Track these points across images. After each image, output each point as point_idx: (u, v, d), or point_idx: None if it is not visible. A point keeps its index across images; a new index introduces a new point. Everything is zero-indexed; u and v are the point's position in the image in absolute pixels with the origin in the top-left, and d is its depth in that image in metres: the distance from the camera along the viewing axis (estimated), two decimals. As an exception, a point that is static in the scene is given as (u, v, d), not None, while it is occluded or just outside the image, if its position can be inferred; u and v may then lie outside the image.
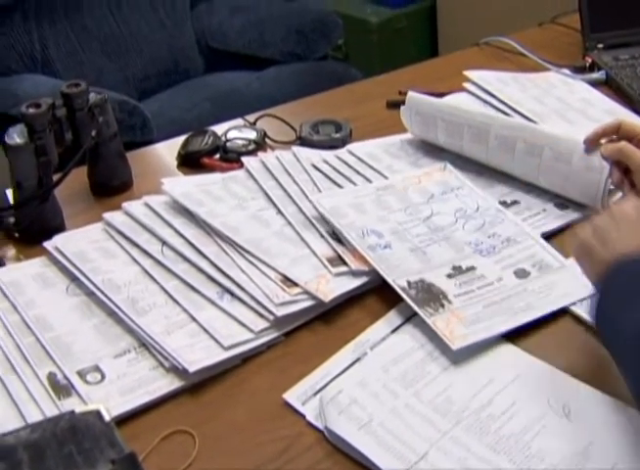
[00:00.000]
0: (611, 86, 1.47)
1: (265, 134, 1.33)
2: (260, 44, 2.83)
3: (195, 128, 1.36)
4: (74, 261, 1.05)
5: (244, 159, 1.23)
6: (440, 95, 1.39)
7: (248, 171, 1.21)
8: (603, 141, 1.11)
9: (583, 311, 0.97)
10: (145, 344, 0.95)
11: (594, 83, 1.48)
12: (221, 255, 1.05)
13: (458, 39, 3.31)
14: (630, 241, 0.86)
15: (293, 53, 2.78)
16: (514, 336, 0.95)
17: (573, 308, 0.99)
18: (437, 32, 3.54)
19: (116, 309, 0.99)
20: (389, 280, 0.99)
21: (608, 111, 1.38)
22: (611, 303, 0.84)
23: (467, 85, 1.41)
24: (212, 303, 0.99)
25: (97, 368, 0.93)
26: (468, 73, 1.42)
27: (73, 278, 1.05)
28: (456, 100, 1.37)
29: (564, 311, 0.99)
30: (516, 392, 0.89)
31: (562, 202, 1.16)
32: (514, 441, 0.83)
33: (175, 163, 1.32)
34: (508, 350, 0.94)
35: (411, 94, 1.26)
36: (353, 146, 1.27)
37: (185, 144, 1.31)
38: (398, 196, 1.14)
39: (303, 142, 1.31)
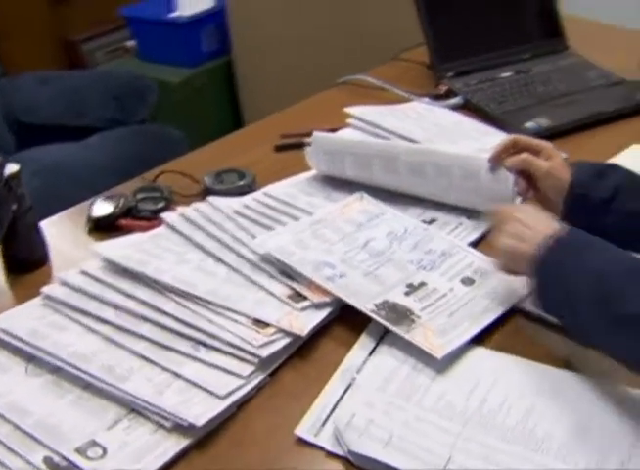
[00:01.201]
0: (469, 108, 1.60)
1: (172, 190, 1.33)
2: (76, 113, 2.77)
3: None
4: (30, 341, 1.00)
5: (164, 215, 1.23)
6: (331, 131, 1.45)
7: (170, 227, 1.21)
8: (503, 155, 1.22)
9: (530, 306, 1.06)
10: (134, 409, 0.93)
11: (454, 108, 1.61)
12: (182, 309, 1.04)
13: (258, 90, 3.43)
14: (542, 230, 0.99)
15: (113, 119, 2.75)
16: (479, 339, 1.02)
17: (522, 305, 1.07)
18: (237, 86, 3.63)
19: (94, 380, 0.95)
20: (358, 306, 1.03)
21: (476, 129, 1.51)
22: (555, 281, 0.95)
23: (351, 121, 1.49)
24: (190, 357, 0.98)
25: (95, 443, 0.89)
26: (349, 110, 1.50)
27: (30, 358, 1.00)
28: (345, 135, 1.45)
29: (513, 310, 1.07)
30: (504, 386, 0.95)
31: (474, 214, 1.25)
32: (520, 429, 0.90)
33: (85, 229, 1.29)
34: (479, 352, 1.01)
35: (316, 134, 1.32)
36: (269, 188, 1.30)
37: (93, 209, 1.29)
38: (331, 228, 1.18)
39: (210, 193, 1.32)
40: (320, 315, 1.04)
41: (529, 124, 1.50)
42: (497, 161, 1.21)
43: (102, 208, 1.28)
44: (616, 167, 1.19)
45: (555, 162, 1.19)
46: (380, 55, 1.95)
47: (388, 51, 1.91)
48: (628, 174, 1.18)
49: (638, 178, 1.18)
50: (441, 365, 0.98)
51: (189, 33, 3.51)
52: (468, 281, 1.10)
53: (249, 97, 3.55)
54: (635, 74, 1.73)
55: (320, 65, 3.11)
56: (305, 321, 1.02)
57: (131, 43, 3.58)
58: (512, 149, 1.22)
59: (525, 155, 1.20)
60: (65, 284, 1.10)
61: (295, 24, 3.18)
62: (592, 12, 2.05)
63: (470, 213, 1.25)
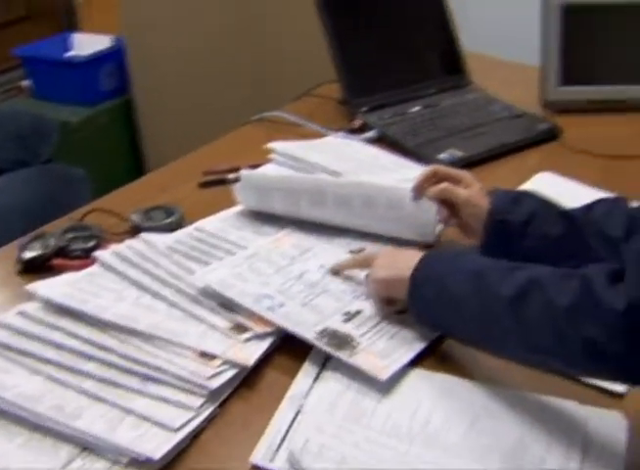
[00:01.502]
0: (384, 142, 1.67)
1: (101, 228, 1.33)
2: (-25, 155, 2.72)
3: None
4: (-28, 385, 0.99)
5: (97, 254, 1.23)
6: (254, 166, 1.49)
7: (105, 265, 1.22)
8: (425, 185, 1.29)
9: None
10: (87, 447, 0.93)
11: (369, 141, 1.67)
12: (126, 345, 1.05)
13: (159, 129, 3.44)
14: (413, 256, 1.08)
15: (16, 160, 2.71)
16: (417, 361, 1.07)
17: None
18: (138, 124, 3.62)
19: (43, 421, 0.95)
20: (301, 334, 1.06)
21: (393, 162, 1.57)
22: (436, 290, 1.03)
23: (273, 156, 1.53)
24: (139, 392, 0.99)
25: (50, 483, 0.89)
26: (271, 145, 1.54)
27: (-28, 403, 0.99)
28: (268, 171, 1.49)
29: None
30: (445, 405, 1.00)
31: (399, 243, 1.30)
32: (464, 445, 0.94)
33: (14, 271, 1.28)
34: (419, 373, 1.06)
35: (245, 172, 1.35)
36: (200, 224, 1.33)
37: (22, 250, 1.28)
38: (266, 261, 1.22)
39: (140, 230, 1.33)
40: (263, 345, 1.07)
41: (443, 155, 1.58)
42: (420, 190, 1.28)
43: (31, 248, 1.28)
44: (530, 194, 1.27)
45: (474, 190, 1.26)
46: (287, 92, 2.00)
47: (296, 88, 1.96)
48: (541, 200, 1.26)
49: (550, 203, 1.26)
50: (385, 388, 1.02)
51: (87, 73, 3.49)
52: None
53: (150, 136, 3.55)
54: (534, 107, 1.85)
55: (224, 103, 3.16)
56: (250, 352, 1.05)
57: (26, 83, 3.53)
58: (433, 178, 1.29)
59: (445, 184, 1.27)
60: (3, 327, 1.09)
61: (197, 62, 3.21)
62: (491, 48, 2.17)
63: (395, 242, 1.30)
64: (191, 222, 1.36)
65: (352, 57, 1.76)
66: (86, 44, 3.62)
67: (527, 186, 1.50)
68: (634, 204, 1.26)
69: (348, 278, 1.20)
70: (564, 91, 1.84)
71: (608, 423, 0.97)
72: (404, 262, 1.08)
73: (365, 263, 1.18)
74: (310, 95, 1.90)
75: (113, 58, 3.53)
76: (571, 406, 1.00)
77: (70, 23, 3.86)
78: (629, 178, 1.55)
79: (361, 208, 1.29)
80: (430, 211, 1.26)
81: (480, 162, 1.60)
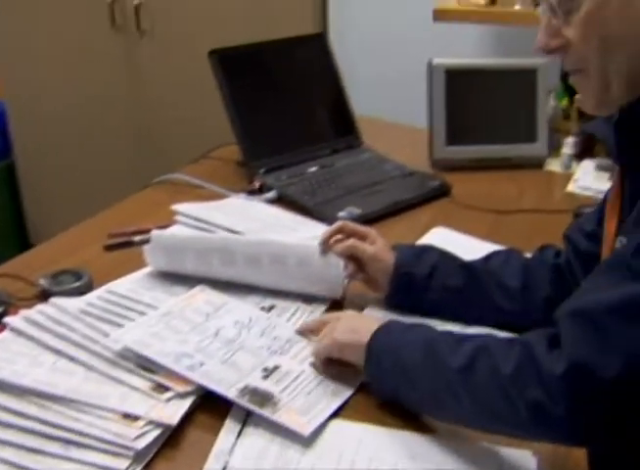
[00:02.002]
0: (284, 202, 1.72)
1: (8, 294, 1.32)
2: None
3: None
4: None
5: (7, 320, 1.22)
6: (160, 229, 1.50)
7: (16, 331, 1.20)
8: (332, 241, 1.34)
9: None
10: (12, 516, 0.91)
11: (270, 202, 1.71)
12: (45, 411, 1.04)
13: (42, 193, 3.39)
14: (372, 322, 1.13)
15: None
16: (338, 412, 1.10)
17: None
18: (19, 189, 3.55)
19: (-35, 492, 0.93)
20: (222, 393, 1.08)
21: (295, 221, 1.62)
22: (390, 357, 1.07)
23: (178, 218, 1.55)
24: (63, 457, 0.98)
25: None
26: (176, 207, 1.56)
27: None
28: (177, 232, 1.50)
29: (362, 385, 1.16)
30: (366, 453, 1.04)
31: (309, 298, 1.34)
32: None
33: None
34: (339, 423, 1.09)
35: (155, 232, 1.36)
36: (111, 286, 1.33)
37: None
38: (181, 319, 1.23)
39: (49, 295, 1.32)
40: (185, 404, 1.08)
41: (342, 213, 1.64)
42: (327, 246, 1.33)
43: (-64, 317, 1.25)
44: (431, 248, 1.35)
45: (379, 246, 1.32)
46: (185, 155, 2.04)
47: (194, 151, 2.00)
48: (442, 253, 1.33)
49: (451, 256, 1.34)
50: (308, 440, 1.04)
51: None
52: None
53: (32, 200, 3.49)
54: (424, 166, 1.94)
55: (116, 167, 3.16)
56: (173, 411, 1.06)
57: None
58: (339, 234, 1.34)
59: (352, 241, 1.32)
60: None
61: (84, 126, 3.20)
62: (381, 112, 2.27)
63: (305, 297, 1.34)
64: (100, 285, 1.36)
65: (250, 119, 1.81)
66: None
67: (424, 240, 1.57)
68: (527, 254, 1.35)
69: (264, 334, 1.23)
70: (451, 150, 1.95)
71: (518, 461, 1.03)
72: (364, 329, 1.12)
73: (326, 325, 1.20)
74: (208, 157, 1.94)
75: (-7, 121, 3.48)
76: (483, 446, 1.05)
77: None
78: (516, 231, 1.65)
79: (270, 266, 1.32)
80: (337, 266, 1.31)
81: (378, 218, 1.66)
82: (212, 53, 1.79)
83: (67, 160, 3.28)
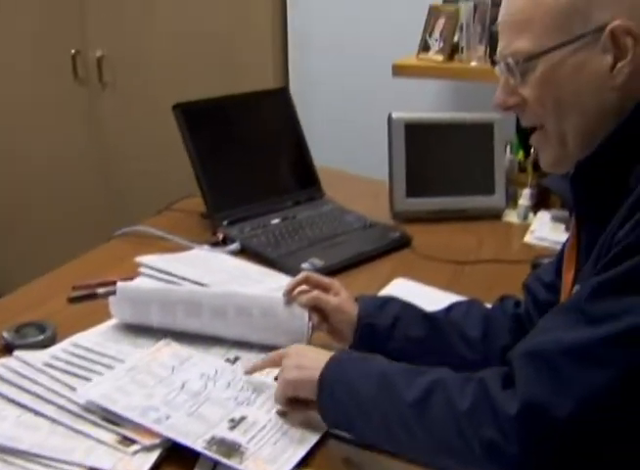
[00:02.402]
0: (247, 253, 1.73)
1: (-30, 348, 1.31)
2: None
3: None
4: None
5: (-30, 374, 1.21)
6: (124, 280, 1.51)
7: (-21, 385, 1.20)
8: (296, 292, 1.35)
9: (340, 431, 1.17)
10: None
11: (233, 253, 1.73)
12: (8, 467, 1.03)
13: (4, 244, 3.37)
14: (321, 356, 1.13)
15: None
16: (303, 462, 1.11)
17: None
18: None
19: None
20: (190, 444, 1.08)
21: (259, 272, 1.64)
22: (342, 389, 1.07)
23: (142, 270, 1.55)
24: (28, 513, 0.98)
25: None
26: (140, 259, 1.57)
27: None
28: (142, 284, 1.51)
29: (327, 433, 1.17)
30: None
31: (272, 350, 1.35)
32: None
33: None
34: (305, 474, 1.10)
35: (121, 285, 1.37)
36: (76, 339, 1.33)
37: None
38: (147, 373, 1.23)
39: (12, 348, 1.32)
40: (152, 457, 1.08)
41: (305, 265, 1.66)
42: (291, 297, 1.34)
43: None
44: (393, 299, 1.37)
45: (343, 297, 1.34)
46: (148, 207, 2.05)
47: (156, 203, 2.01)
48: (404, 304, 1.36)
49: (413, 307, 1.36)
50: (277, 489, 1.05)
51: None
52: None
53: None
54: (384, 217, 1.98)
55: (78, 220, 3.16)
56: (139, 463, 1.06)
57: None
58: (304, 286, 1.36)
59: (316, 292, 1.34)
60: None
61: (44, 177, 3.20)
62: (341, 163, 2.31)
63: (270, 348, 1.35)
64: (64, 338, 1.36)
65: (213, 172, 1.84)
66: None
67: (385, 292, 1.60)
68: (488, 305, 1.38)
69: (230, 385, 1.23)
70: (411, 202, 1.99)
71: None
72: (313, 363, 1.12)
73: (277, 363, 1.21)
74: (172, 210, 1.95)
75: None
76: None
77: None
78: (476, 282, 1.69)
79: (236, 317, 1.34)
80: (302, 317, 1.33)
81: (340, 270, 1.69)
82: (176, 107, 1.81)
83: (30, 211, 3.28)
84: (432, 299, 1.57)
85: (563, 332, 0.91)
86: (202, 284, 1.51)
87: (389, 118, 1.97)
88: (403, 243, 1.84)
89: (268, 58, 2.82)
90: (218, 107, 1.91)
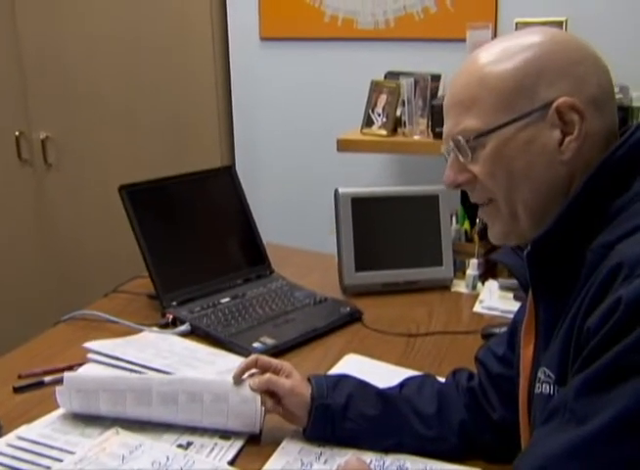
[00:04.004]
0: (198, 335, 1.71)
1: None
2: None
3: None
4: None
5: None
6: (68, 368, 1.48)
7: None
8: (247, 375, 1.34)
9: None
10: None
11: (183, 335, 1.71)
12: None
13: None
14: None
15: None
16: None
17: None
18: None
19: None
20: None
21: (210, 353, 1.62)
22: None
23: (91, 356, 1.52)
24: None
25: None
26: (88, 345, 1.54)
27: None
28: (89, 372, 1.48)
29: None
30: None
31: (225, 434, 1.33)
32: None
33: None
34: None
35: (67, 375, 1.34)
36: (21, 432, 1.29)
37: None
38: (96, 465, 1.20)
39: (-46, 444, 1.27)
40: None
41: (256, 344, 1.64)
42: (241, 381, 1.32)
43: None
44: (346, 377, 1.36)
45: (296, 379, 1.33)
46: (94, 289, 2.03)
47: (103, 285, 1.99)
48: (358, 382, 1.35)
49: (366, 385, 1.35)
50: None
51: None
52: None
53: None
54: (335, 291, 1.98)
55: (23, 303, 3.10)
56: None
57: None
58: (254, 369, 1.34)
59: (267, 375, 1.32)
60: None
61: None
62: (288, 239, 2.32)
63: (222, 433, 1.33)
64: (10, 430, 1.32)
65: (161, 252, 1.82)
66: None
67: (337, 369, 1.59)
68: (441, 378, 1.38)
69: (181, 475, 1.20)
70: (360, 276, 1.99)
71: None
72: None
73: None
74: (120, 291, 1.93)
75: None
76: None
77: None
78: (427, 354, 1.69)
79: (187, 403, 1.31)
80: (254, 401, 1.31)
81: (292, 347, 1.68)
82: (122, 188, 1.81)
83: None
84: (383, 374, 1.56)
85: (558, 438, 0.90)
86: (151, 368, 1.48)
87: (336, 194, 1.98)
88: (354, 318, 1.84)
89: (214, 135, 2.85)
90: (164, 187, 1.91)
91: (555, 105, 1.00)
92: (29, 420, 1.35)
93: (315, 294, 1.92)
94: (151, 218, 1.84)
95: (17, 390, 1.48)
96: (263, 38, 2.78)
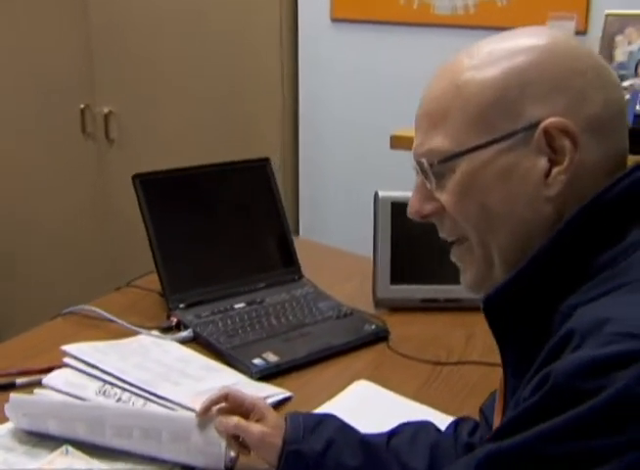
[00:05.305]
0: (199, 343, 1.56)
1: None
2: None
3: None
4: None
5: None
6: (47, 370, 1.38)
7: None
8: (215, 409, 1.17)
9: None
10: None
11: (184, 341, 1.56)
12: None
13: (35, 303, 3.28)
14: None
15: None
16: None
17: None
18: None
19: None
20: None
21: (204, 367, 1.47)
22: None
23: (67, 360, 1.40)
24: None
25: None
26: (66, 348, 1.41)
27: None
28: (63, 378, 1.36)
29: None
30: None
31: (187, 468, 1.18)
32: None
33: None
34: None
35: (14, 397, 1.22)
36: (-41, 447, 1.17)
37: None
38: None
39: None
40: None
41: (256, 361, 1.48)
42: (205, 419, 1.15)
43: None
44: (329, 419, 1.18)
45: (268, 423, 1.15)
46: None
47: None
48: (341, 427, 1.17)
49: (350, 430, 1.17)
50: None
51: None
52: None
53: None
54: (367, 304, 1.79)
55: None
56: None
57: None
58: (223, 402, 1.18)
59: (235, 420, 1.14)
60: None
61: (49, 231, 3.11)
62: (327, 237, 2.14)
63: (184, 466, 1.18)
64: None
65: (172, 249, 1.68)
66: None
67: (343, 396, 1.43)
68: (445, 418, 1.19)
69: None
70: (395, 289, 1.79)
71: None
72: None
73: None
74: (133, 286, 1.80)
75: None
76: None
77: None
78: (451, 387, 1.49)
79: (142, 439, 1.16)
80: (219, 444, 1.15)
81: (300, 366, 1.51)
82: (136, 177, 1.67)
83: (30, 260, 3.19)
84: (392, 409, 1.40)
85: None
86: (125, 381, 1.34)
87: (375, 197, 1.79)
88: (379, 337, 1.65)
89: (278, 127, 2.69)
90: (186, 177, 1.76)
91: (542, 126, 0.80)
92: (-13, 428, 1.24)
93: (341, 306, 1.73)
94: (166, 211, 1.70)
95: (-12, 392, 1.37)
96: (334, 19, 2.59)
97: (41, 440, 1.21)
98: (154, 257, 1.65)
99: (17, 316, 3.04)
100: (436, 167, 0.85)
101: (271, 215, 1.85)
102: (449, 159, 0.83)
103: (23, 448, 1.19)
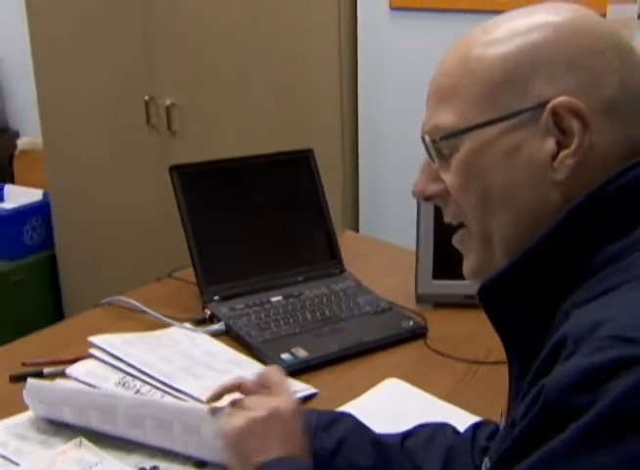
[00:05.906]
0: (231, 336, 1.55)
1: None
2: None
3: None
4: None
5: None
6: (74, 361, 1.39)
7: None
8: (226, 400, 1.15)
9: None
10: None
11: (216, 334, 1.55)
12: None
13: (80, 287, 3.34)
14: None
15: None
16: None
17: None
18: (59, 280, 3.52)
19: None
20: None
21: (231, 361, 1.45)
22: None
23: (93, 351, 1.41)
24: None
25: None
26: (92, 339, 1.42)
27: None
28: (85, 369, 1.37)
29: None
30: None
31: (200, 462, 1.16)
32: None
33: None
34: None
35: (30, 382, 1.23)
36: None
37: None
38: (30, 485, 1.08)
39: None
40: None
41: (285, 356, 1.46)
42: (216, 409, 1.13)
43: None
44: (344, 418, 1.15)
45: None
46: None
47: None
48: (355, 425, 1.14)
49: (363, 429, 1.14)
50: None
51: (11, 226, 3.43)
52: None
53: (69, 292, 3.46)
54: (409, 299, 1.74)
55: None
56: None
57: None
58: (236, 391, 1.15)
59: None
60: None
61: (117, 220, 3.16)
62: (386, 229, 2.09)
63: (195, 460, 1.17)
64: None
65: (209, 240, 1.67)
66: (17, 196, 3.58)
67: (372, 393, 1.40)
68: (473, 419, 1.15)
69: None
70: (438, 285, 1.74)
71: None
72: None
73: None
74: (173, 278, 1.80)
75: (40, 211, 3.49)
76: None
77: (5, 175, 3.83)
78: (485, 387, 1.44)
79: (154, 430, 1.16)
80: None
81: (330, 362, 1.48)
82: (173, 168, 1.66)
83: (102, 253, 3.25)
84: (419, 408, 1.36)
85: None
86: (147, 374, 1.34)
87: (418, 189, 1.74)
88: (416, 334, 1.60)
89: (336, 119, 2.65)
90: (225, 169, 1.75)
91: (550, 105, 0.75)
92: (10, 414, 1.26)
93: (380, 301, 1.69)
94: (203, 203, 1.69)
95: (12, 379, 1.39)
96: (393, 7, 2.54)
97: (57, 430, 1.22)
98: (189, 248, 1.65)
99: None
100: (441, 144, 0.81)
101: (313, 207, 1.82)
102: (453, 135, 0.79)
103: (40, 438, 1.21)
